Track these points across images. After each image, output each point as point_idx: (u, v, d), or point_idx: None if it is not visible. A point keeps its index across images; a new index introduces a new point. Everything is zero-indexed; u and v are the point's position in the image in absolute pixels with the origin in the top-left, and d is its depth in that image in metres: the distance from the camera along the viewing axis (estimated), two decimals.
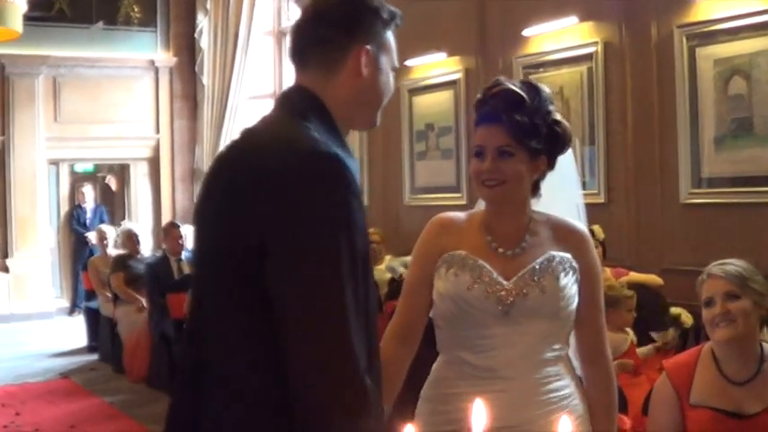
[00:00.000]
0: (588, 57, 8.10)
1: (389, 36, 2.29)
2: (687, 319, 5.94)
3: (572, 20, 8.19)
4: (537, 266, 2.64)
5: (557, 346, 2.67)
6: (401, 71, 10.22)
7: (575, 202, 3.04)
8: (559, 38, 8.39)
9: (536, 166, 2.66)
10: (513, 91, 2.66)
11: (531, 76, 8.59)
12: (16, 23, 10.45)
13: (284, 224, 1.97)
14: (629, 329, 6.15)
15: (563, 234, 2.72)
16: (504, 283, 2.62)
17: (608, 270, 7.17)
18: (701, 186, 7.22)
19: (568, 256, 2.66)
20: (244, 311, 2.04)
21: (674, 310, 6.04)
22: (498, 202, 2.71)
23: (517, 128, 2.61)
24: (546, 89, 2.73)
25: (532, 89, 2.69)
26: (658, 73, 7.48)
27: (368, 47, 2.21)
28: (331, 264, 1.95)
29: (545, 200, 2.82)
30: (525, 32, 8.68)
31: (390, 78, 2.31)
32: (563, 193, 2.94)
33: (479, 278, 2.63)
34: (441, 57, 9.81)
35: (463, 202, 9.15)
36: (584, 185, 8.00)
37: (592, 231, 7.14)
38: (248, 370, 2.04)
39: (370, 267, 2.12)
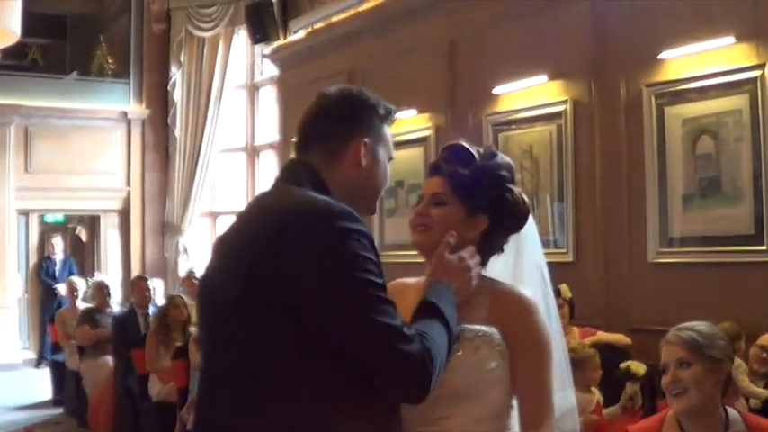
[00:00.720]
0: (558, 115, 8.11)
1: (386, 130, 2.54)
2: (638, 368, 5.90)
3: (542, 78, 8.22)
4: None
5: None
6: None
7: (536, 262, 2.94)
8: (529, 96, 8.42)
9: (474, 223, 2.59)
10: (463, 147, 2.67)
11: (500, 134, 8.66)
12: None
13: (302, 270, 2.19)
14: (594, 389, 6.14)
15: (500, 302, 2.57)
16: None
17: (575, 330, 7.16)
18: (669, 246, 7.21)
19: (488, 329, 2.50)
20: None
21: (622, 365, 6.01)
22: (423, 249, 2.63)
23: (455, 179, 2.60)
24: (506, 158, 2.71)
25: (488, 152, 2.69)
26: (627, 132, 7.50)
27: (366, 140, 2.46)
28: (354, 284, 2.20)
29: (506, 261, 2.76)
30: (495, 90, 8.70)
31: (387, 169, 2.55)
32: (524, 253, 2.85)
33: None
34: (411, 113, 9.81)
35: None
36: (553, 244, 8.05)
37: (558, 291, 7.20)
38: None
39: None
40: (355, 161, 2.45)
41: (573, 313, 7.24)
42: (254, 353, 2.25)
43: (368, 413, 2.27)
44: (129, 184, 15.35)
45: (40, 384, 12.16)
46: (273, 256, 2.22)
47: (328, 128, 2.47)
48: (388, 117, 2.54)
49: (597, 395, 6.09)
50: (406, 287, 2.70)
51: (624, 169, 7.54)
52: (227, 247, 2.43)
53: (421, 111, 9.78)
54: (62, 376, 11.24)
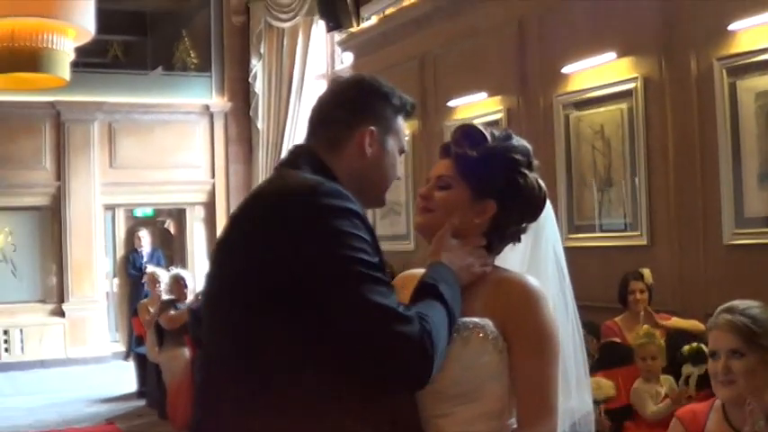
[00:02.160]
0: (628, 93, 7.85)
1: (400, 121, 2.46)
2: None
3: (611, 55, 7.98)
4: None
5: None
6: (444, 111, 10.14)
7: (554, 252, 2.68)
8: (599, 75, 8.17)
9: (480, 208, 2.41)
10: (474, 128, 2.50)
11: (571, 115, 8.44)
12: (64, 71, 10.55)
13: (294, 251, 2.11)
14: (665, 379, 5.92)
15: (502, 291, 2.38)
16: None
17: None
18: (745, 226, 6.91)
19: (482, 321, 2.32)
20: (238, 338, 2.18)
21: (685, 348, 5.76)
22: (424, 233, 2.49)
23: (462, 161, 2.44)
24: (522, 141, 2.52)
25: (503, 134, 2.51)
26: (699, 108, 7.22)
27: (373, 128, 2.38)
28: (341, 265, 2.11)
29: (523, 250, 2.60)
30: (565, 70, 8.48)
31: (397, 160, 2.47)
32: (541, 243, 2.66)
33: None
34: (482, 97, 9.65)
35: None
36: (628, 227, 7.81)
37: (641, 275, 6.98)
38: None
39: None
40: (360, 149, 2.37)
41: (651, 299, 7.02)
42: (244, 344, 2.17)
43: (366, 406, 2.17)
44: (213, 176, 15.48)
45: (127, 377, 12.31)
46: (260, 239, 2.17)
47: (335, 114, 2.40)
48: (403, 109, 2.45)
49: (665, 386, 5.88)
50: (414, 277, 2.52)
51: (697, 148, 7.26)
52: (222, 236, 2.36)
53: (492, 94, 9.60)
54: (146, 368, 11.36)
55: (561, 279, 2.71)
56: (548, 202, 2.57)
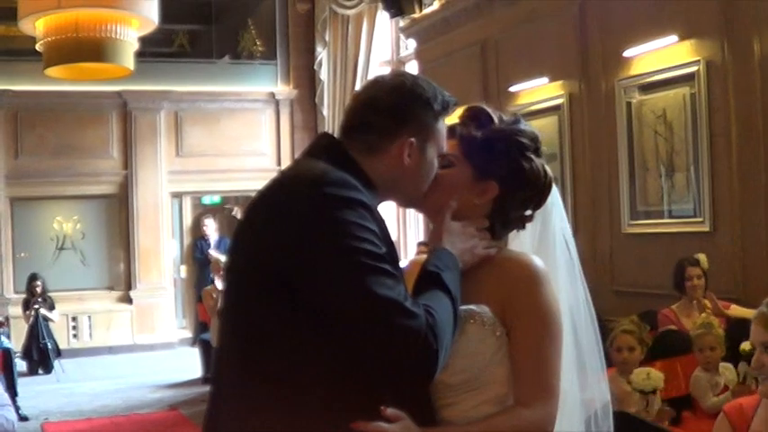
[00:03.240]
0: (690, 76, 7.70)
1: (441, 125, 2.37)
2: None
3: (672, 38, 7.83)
4: None
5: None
6: (506, 97, 10.06)
7: (562, 241, 2.63)
8: (661, 58, 8.02)
9: (482, 188, 2.39)
10: (482, 109, 2.46)
11: (633, 100, 8.30)
12: (128, 61, 10.68)
13: (297, 241, 2.08)
14: (725, 368, 5.79)
15: (502, 271, 2.35)
16: None
17: (708, 303, 6.78)
18: None
19: (478, 308, 2.28)
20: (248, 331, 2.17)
21: (744, 345, 5.61)
22: (424, 210, 2.51)
23: (466, 141, 2.41)
24: (530, 128, 2.49)
25: (512, 119, 2.48)
26: (762, 91, 7.05)
27: (413, 140, 2.30)
28: (346, 255, 2.07)
29: (531, 236, 2.56)
30: (626, 53, 8.34)
31: (435, 164, 2.38)
32: (548, 229, 2.61)
33: None
34: (543, 81, 9.55)
35: None
36: (691, 212, 7.67)
37: (697, 261, 6.85)
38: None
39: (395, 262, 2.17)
40: (398, 159, 2.30)
41: (707, 285, 6.89)
42: (248, 334, 2.17)
43: (372, 399, 2.11)
44: (279, 164, 15.50)
45: (193, 363, 12.42)
46: (265, 229, 2.15)
47: (375, 120, 2.31)
48: (444, 112, 2.37)
49: (725, 376, 5.76)
50: (417, 266, 2.48)
51: (761, 132, 7.09)
52: (239, 223, 2.34)
53: (553, 79, 9.50)
54: (210, 354, 11.45)
55: (572, 268, 2.66)
56: (554, 190, 2.53)
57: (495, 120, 2.45)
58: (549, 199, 2.52)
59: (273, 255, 2.10)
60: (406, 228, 13.79)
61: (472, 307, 2.28)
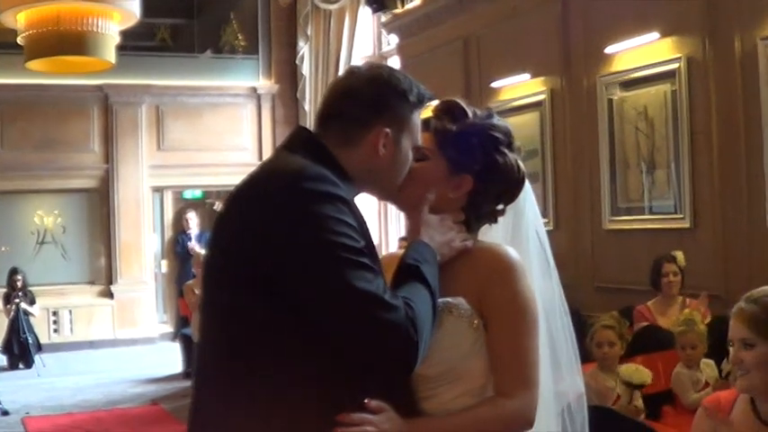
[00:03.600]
0: (671, 73, 7.73)
1: (416, 117, 2.39)
2: None
3: (654, 35, 7.86)
4: None
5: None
6: (488, 93, 10.07)
7: (534, 235, 2.67)
8: (642, 55, 8.05)
9: (456, 182, 2.42)
10: (456, 103, 2.50)
11: (614, 96, 8.33)
12: (110, 54, 10.65)
13: (274, 236, 2.09)
14: (706, 364, 5.83)
15: (476, 262, 2.37)
16: None
17: (689, 300, 6.83)
18: None
19: (454, 300, 2.30)
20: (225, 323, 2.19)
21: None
22: (399, 204, 2.51)
23: (441, 135, 2.44)
24: (504, 122, 2.52)
25: (486, 114, 2.51)
26: (743, 89, 7.09)
27: (388, 130, 2.31)
28: (322, 249, 2.08)
29: (504, 232, 2.59)
30: (608, 50, 8.36)
31: (410, 156, 2.39)
32: (521, 225, 2.64)
33: None
34: (525, 78, 9.57)
35: (549, 228, 8.86)
36: (671, 209, 7.71)
37: (674, 257, 6.90)
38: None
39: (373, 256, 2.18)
40: (373, 149, 2.31)
41: (683, 282, 6.94)
42: (228, 329, 2.17)
43: (353, 392, 2.14)
44: (260, 158, 15.44)
45: (174, 358, 12.39)
46: (243, 223, 2.16)
47: (350, 110, 2.32)
48: (419, 105, 2.39)
49: (706, 373, 5.80)
50: (396, 258, 2.49)
51: (741, 129, 7.13)
52: (217, 216, 2.35)
53: (535, 74, 9.51)
54: (191, 349, 11.43)
55: (545, 261, 2.69)
56: (527, 184, 2.56)
57: (470, 114, 2.47)
58: (522, 194, 2.56)
59: (252, 249, 2.11)
60: (387, 223, 13.78)
61: (448, 299, 2.30)
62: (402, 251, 2.47)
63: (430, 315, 2.16)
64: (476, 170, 2.42)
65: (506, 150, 2.46)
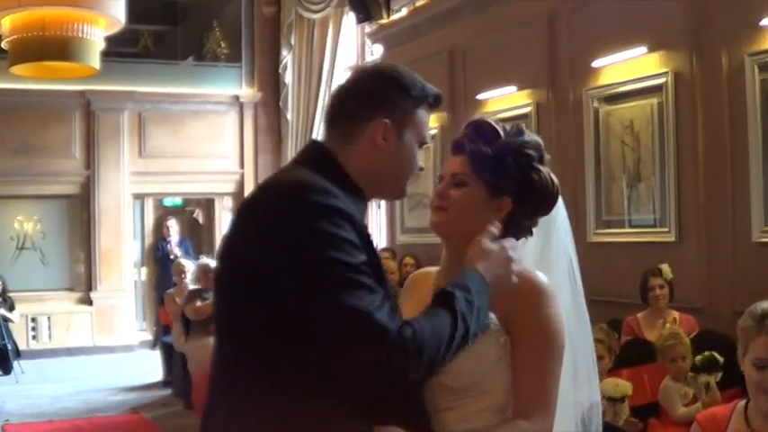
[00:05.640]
0: (658, 88, 7.78)
1: (420, 113, 2.35)
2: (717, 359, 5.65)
3: (641, 50, 7.91)
4: None
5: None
6: (473, 104, 10.08)
7: (564, 250, 2.72)
8: (629, 69, 8.10)
9: (496, 205, 2.43)
10: (487, 123, 2.51)
11: (601, 110, 8.37)
12: (94, 60, 10.61)
13: (274, 248, 2.08)
14: (691, 375, 5.86)
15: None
16: None
17: (676, 314, 6.87)
18: None
19: (492, 317, 2.32)
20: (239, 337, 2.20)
21: (698, 358, 5.73)
22: (439, 231, 2.49)
23: (477, 158, 2.44)
24: (534, 136, 2.53)
25: (514, 129, 2.51)
26: (730, 103, 7.14)
27: (386, 120, 2.28)
28: (319, 269, 2.05)
29: (534, 245, 2.61)
30: (595, 64, 8.41)
31: (416, 153, 2.37)
32: (551, 244, 2.68)
33: None
34: (511, 90, 9.61)
35: None
36: (656, 222, 7.75)
37: (660, 271, 6.93)
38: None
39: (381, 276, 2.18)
40: (373, 142, 2.29)
41: (672, 295, 6.97)
42: (237, 339, 2.21)
43: (354, 407, 2.15)
44: (242, 167, 15.48)
45: (154, 366, 12.33)
46: (246, 235, 2.18)
47: (350, 105, 2.32)
48: (424, 100, 2.36)
49: (693, 386, 5.83)
50: (427, 276, 2.57)
51: (727, 143, 7.18)
52: (227, 231, 2.35)
53: (521, 87, 9.55)
54: (172, 358, 11.38)
55: (571, 272, 2.73)
56: (559, 196, 2.58)
57: (501, 133, 2.48)
58: (554, 211, 2.59)
59: (253, 262, 2.11)
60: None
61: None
62: (431, 269, 2.57)
63: (443, 337, 2.11)
64: (513, 190, 2.43)
65: (540, 166, 2.48)
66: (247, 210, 2.24)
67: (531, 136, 2.52)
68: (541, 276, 2.41)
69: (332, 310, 2.03)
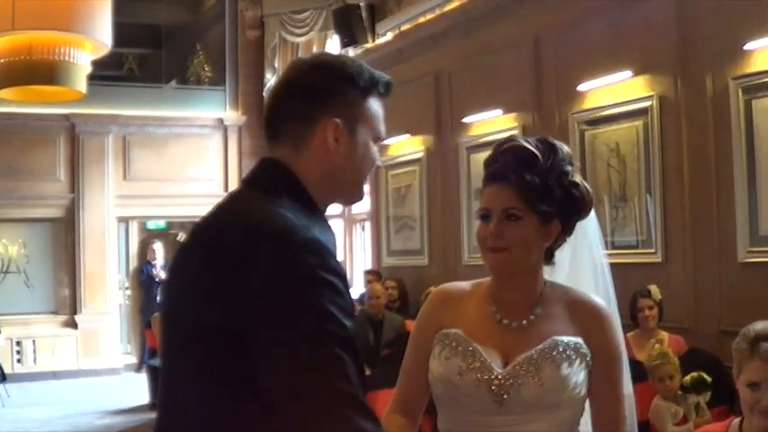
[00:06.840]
0: (644, 111, 7.88)
1: (371, 104, 2.11)
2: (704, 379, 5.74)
3: (626, 74, 8.01)
4: (535, 354, 2.37)
5: None
6: (459, 128, 10.16)
7: (597, 262, 2.78)
8: (615, 93, 8.20)
9: (547, 232, 2.44)
10: (525, 147, 2.44)
11: (587, 133, 8.46)
12: (81, 84, 10.61)
13: (257, 312, 1.82)
14: (680, 394, 5.93)
15: (578, 311, 2.46)
16: (498, 370, 2.38)
17: (665, 335, 6.94)
18: (759, 244, 6.91)
19: (578, 340, 2.41)
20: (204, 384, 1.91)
21: (686, 379, 5.82)
22: (501, 270, 2.47)
23: (526, 189, 2.38)
24: (564, 147, 2.50)
25: (548, 147, 2.46)
26: (715, 127, 7.23)
27: (337, 120, 2.04)
28: (309, 344, 1.81)
29: (564, 261, 2.65)
30: (580, 87, 8.51)
31: (371, 150, 2.13)
32: (584, 253, 2.73)
33: (471, 363, 2.40)
34: (497, 113, 9.70)
35: None
36: (641, 244, 7.83)
37: (648, 292, 7.00)
38: None
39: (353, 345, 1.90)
40: (324, 145, 2.04)
41: (661, 316, 7.04)
42: (200, 406, 1.93)
43: None
44: (226, 189, 15.45)
45: (139, 389, 12.30)
46: (225, 290, 1.86)
47: (293, 107, 2.06)
48: (374, 88, 2.10)
49: (683, 405, 5.90)
50: (463, 294, 2.58)
51: (712, 166, 7.27)
52: (182, 257, 2.07)
53: (507, 110, 9.64)
54: (158, 380, 11.33)
55: (604, 283, 2.81)
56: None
57: (539, 156, 2.43)
58: (586, 222, 2.64)
59: (231, 313, 1.84)
60: (352, 254, 13.83)
61: (575, 340, 2.42)
62: (458, 283, 2.61)
63: None
64: (559, 211, 2.44)
65: (577, 179, 2.48)
66: (214, 256, 1.92)
67: (562, 148, 2.50)
68: (599, 300, 2.53)
69: (320, 393, 1.80)
